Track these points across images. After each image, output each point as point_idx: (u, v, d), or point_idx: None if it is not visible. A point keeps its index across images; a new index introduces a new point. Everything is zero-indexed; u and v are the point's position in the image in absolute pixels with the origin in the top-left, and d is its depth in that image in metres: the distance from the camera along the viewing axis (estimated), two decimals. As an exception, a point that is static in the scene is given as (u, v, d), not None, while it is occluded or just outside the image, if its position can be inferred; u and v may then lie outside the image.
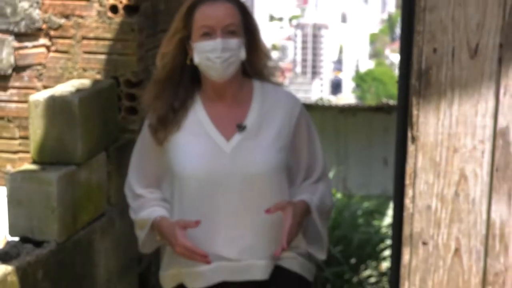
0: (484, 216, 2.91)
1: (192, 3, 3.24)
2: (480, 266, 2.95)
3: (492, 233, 2.92)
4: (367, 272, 6.09)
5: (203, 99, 3.36)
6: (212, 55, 3.14)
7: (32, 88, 4.38)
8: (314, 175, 3.51)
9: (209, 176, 3.25)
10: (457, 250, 2.94)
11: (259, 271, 3.33)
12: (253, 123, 3.30)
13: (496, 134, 2.87)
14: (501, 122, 2.85)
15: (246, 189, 3.27)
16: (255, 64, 3.39)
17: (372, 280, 5.80)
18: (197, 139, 3.30)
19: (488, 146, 2.87)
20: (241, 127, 3.28)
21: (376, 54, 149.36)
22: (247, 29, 3.30)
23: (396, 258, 2.97)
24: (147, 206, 3.37)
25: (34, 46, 4.44)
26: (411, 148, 2.90)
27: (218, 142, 3.27)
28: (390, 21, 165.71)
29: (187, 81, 3.35)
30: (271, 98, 3.38)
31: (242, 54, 3.23)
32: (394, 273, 3.09)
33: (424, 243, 2.96)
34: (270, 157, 3.29)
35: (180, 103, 3.29)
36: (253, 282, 3.35)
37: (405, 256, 2.97)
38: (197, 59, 3.22)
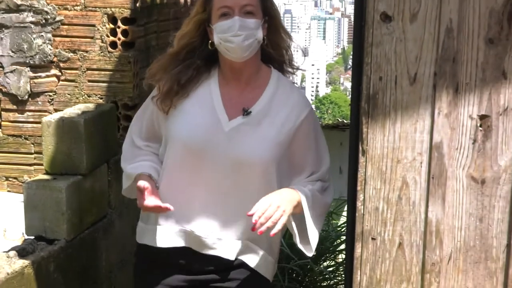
0: (423, 215, 2.91)
1: None
2: (419, 257, 2.95)
3: (429, 230, 2.92)
4: (327, 263, 6.07)
5: (219, 77, 2.93)
6: (230, 33, 2.73)
7: (45, 111, 4.36)
8: (313, 178, 3.06)
9: (201, 147, 2.83)
10: (400, 244, 2.95)
11: (226, 249, 2.92)
12: (259, 111, 2.87)
13: (432, 147, 2.88)
14: (436, 138, 2.86)
15: (233, 171, 2.83)
16: (277, 46, 2.95)
17: (331, 269, 5.80)
18: (201, 110, 2.88)
19: (425, 158, 2.88)
20: (246, 112, 2.84)
21: (332, 82, 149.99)
22: (267, 12, 2.87)
23: (350, 251, 2.97)
24: (137, 160, 3.02)
25: (47, 76, 4.42)
26: (361, 159, 2.90)
27: (220, 118, 2.85)
28: (343, 54, 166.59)
29: (201, 63, 2.93)
30: (284, 93, 2.94)
31: (260, 35, 2.79)
32: (349, 264, 3.09)
33: (373, 239, 2.96)
34: (264, 148, 2.84)
35: (188, 79, 2.89)
36: (217, 259, 2.94)
37: (357, 250, 2.96)
38: (216, 39, 2.80)
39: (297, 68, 3.13)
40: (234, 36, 2.71)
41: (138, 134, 3.08)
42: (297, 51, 3.23)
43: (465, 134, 2.84)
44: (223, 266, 2.96)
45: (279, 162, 2.90)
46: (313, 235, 2.99)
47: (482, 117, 2.82)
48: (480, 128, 2.83)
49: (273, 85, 2.91)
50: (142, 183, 2.82)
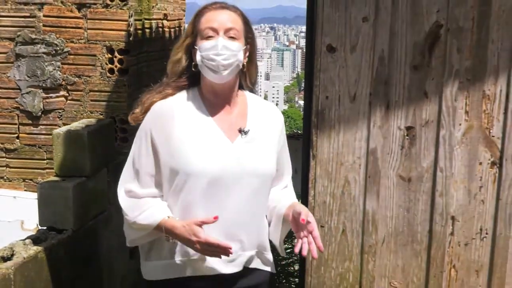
0: (361, 207, 2.92)
1: (198, 10, 2.41)
2: (359, 241, 2.95)
3: (367, 219, 2.93)
4: (285, 246, 6.06)
5: (205, 102, 2.38)
6: (213, 51, 2.26)
7: (55, 125, 4.32)
8: (285, 180, 2.57)
9: (219, 176, 2.28)
10: (343, 231, 2.95)
11: (242, 263, 2.39)
12: (252, 128, 2.38)
13: (368, 153, 2.89)
14: (372, 145, 2.88)
15: (247, 188, 2.32)
16: (251, 75, 2.48)
17: (288, 251, 5.79)
18: (204, 140, 2.31)
19: (363, 161, 2.89)
20: (244, 132, 2.35)
21: (289, 100, 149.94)
22: (248, 41, 2.41)
23: (303, 236, 2.96)
24: (146, 207, 2.34)
25: (57, 96, 4.38)
26: (312, 162, 2.90)
27: (224, 144, 2.32)
28: (298, 78, 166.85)
29: (191, 85, 2.41)
30: (263, 109, 2.48)
31: (241, 58, 2.32)
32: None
33: (322, 226, 2.96)
34: (269, 159, 2.40)
35: (182, 105, 2.36)
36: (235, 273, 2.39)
37: (309, 235, 2.96)
38: (199, 59, 2.30)
39: (254, 89, 2.58)
40: (216, 55, 2.26)
41: (136, 184, 2.39)
42: (260, 75, 2.97)
43: (395, 142, 2.86)
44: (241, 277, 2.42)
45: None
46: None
47: (408, 128, 2.84)
48: (407, 137, 2.85)
49: (252, 103, 2.47)
50: (200, 218, 2.24)
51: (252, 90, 2.53)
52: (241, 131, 2.36)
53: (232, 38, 2.31)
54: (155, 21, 4.70)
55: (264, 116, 2.46)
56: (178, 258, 2.34)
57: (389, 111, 2.84)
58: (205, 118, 2.35)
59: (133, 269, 3.90)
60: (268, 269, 2.49)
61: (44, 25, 4.32)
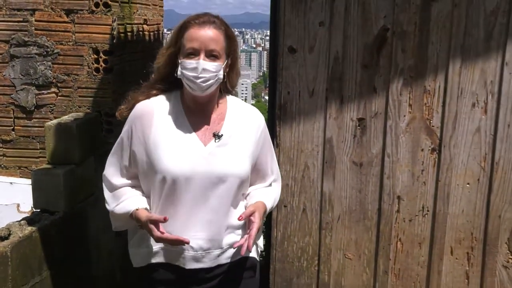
0: (319, 189, 2.93)
1: (183, 23, 2.23)
2: (317, 218, 2.96)
3: (324, 199, 2.94)
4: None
5: (185, 107, 2.25)
6: (193, 73, 2.13)
7: (47, 118, 4.26)
8: (268, 180, 2.39)
9: (188, 176, 2.15)
10: (304, 210, 2.95)
11: (213, 260, 2.23)
12: (227, 132, 2.24)
13: (325, 141, 2.89)
14: (328, 134, 2.88)
15: (217, 190, 2.18)
16: (232, 82, 2.32)
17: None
18: (177, 142, 2.19)
19: (320, 148, 2.89)
20: (217, 136, 2.22)
21: (256, 96, 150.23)
22: (230, 54, 2.24)
23: (269, 215, 2.96)
24: (123, 198, 2.28)
25: (48, 93, 4.31)
26: (276, 150, 2.90)
27: (197, 147, 2.19)
28: (264, 76, 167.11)
29: (175, 87, 2.28)
30: (242, 111, 2.32)
31: (221, 76, 2.18)
32: (268, 223, 3.09)
33: (285, 206, 2.96)
34: (240, 162, 2.23)
35: (163, 107, 2.25)
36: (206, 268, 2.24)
37: (274, 214, 2.96)
38: (179, 73, 2.17)
39: (234, 91, 2.41)
40: (196, 78, 2.13)
41: (114, 174, 2.33)
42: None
43: (348, 131, 2.86)
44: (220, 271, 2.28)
45: (250, 171, 2.30)
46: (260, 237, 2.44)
47: (360, 120, 2.85)
48: (358, 127, 2.86)
49: (232, 107, 2.32)
50: (153, 216, 2.13)
51: (231, 92, 2.38)
52: (215, 135, 2.23)
53: (213, 57, 2.15)
54: (136, 25, 4.64)
55: (242, 120, 2.30)
56: (155, 246, 2.24)
57: (343, 104, 2.84)
58: (182, 121, 2.23)
59: (119, 244, 3.87)
60: (246, 254, 2.26)
61: (36, 29, 4.25)
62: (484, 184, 2.82)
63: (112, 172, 2.33)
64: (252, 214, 2.16)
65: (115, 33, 4.23)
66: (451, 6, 2.70)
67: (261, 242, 2.42)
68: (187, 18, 2.24)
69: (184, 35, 2.18)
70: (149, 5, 4.99)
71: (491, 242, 2.86)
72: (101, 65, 4.25)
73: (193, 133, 2.22)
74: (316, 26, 2.78)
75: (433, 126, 2.80)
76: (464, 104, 2.77)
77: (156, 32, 5.17)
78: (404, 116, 2.81)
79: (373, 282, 2.97)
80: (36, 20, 4.23)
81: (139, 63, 4.63)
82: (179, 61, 2.17)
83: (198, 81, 2.14)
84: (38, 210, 3.23)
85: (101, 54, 4.23)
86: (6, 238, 2.80)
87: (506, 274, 2.88)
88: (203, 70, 2.13)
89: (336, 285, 2.99)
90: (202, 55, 2.14)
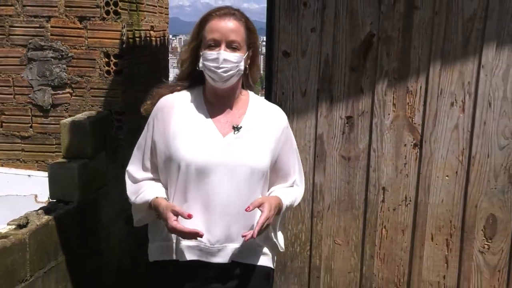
0: (311, 181, 2.92)
1: (204, 16, 2.07)
2: (310, 207, 2.96)
3: (316, 190, 2.93)
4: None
5: (206, 101, 2.10)
6: (214, 64, 1.99)
7: (62, 116, 4.24)
8: (290, 180, 2.19)
9: (205, 165, 1.97)
10: (297, 200, 2.95)
11: (228, 255, 2.04)
12: (247, 126, 2.06)
13: (316, 137, 2.89)
14: (319, 131, 2.87)
15: (234, 181, 1.99)
16: (253, 76, 2.18)
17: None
18: (197, 132, 2.03)
19: (312, 144, 2.89)
20: (236, 128, 2.04)
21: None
22: (251, 46, 2.09)
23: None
24: (143, 189, 2.10)
25: (63, 93, 4.29)
26: (272, 145, 2.89)
27: (215, 137, 2.02)
28: (260, 78, 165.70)
29: (198, 83, 2.13)
30: (264, 107, 2.16)
31: (242, 67, 2.03)
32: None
33: (280, 196, 2.95)
34: (261, 154, 2.04)
35: (184, 100, 2.11)
36: (221, 263, 2.04)
37: (270, 204, 2.96)
38: (201, 64, 2.02)
39: (254, 87, 2.27)
40: (217, 68, 1.99)
41: (136, 170, 2.16)
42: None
43: (337, 128, 2.86)
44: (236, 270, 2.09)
45: (268, 168, 2.10)
46: (280, 236, 2.20)
47: (348, 118, 2.84)
48: (347, 125, 2.85)
49: (254, 103, 2.15)
50: (177, 207, 1.96)
51: (253, 88, 2.22)
52: (234, 127, 2.06)
53: (233, 49, 2.01)
54: (143, 31, 4.63)
55: (263, 116, 2.12)
56: (172, 241, 2.06)
57: (332, 104, 2.84)
58: (202, 114, 2.08)
59: (128, 232, 3.86)
60: (261, 263, 2.12)
61: (51, 34, 4.23)
62: (462, 176, 2.82)
63: (134, 167, 2.17)
64: (261, 204, 1.96)
65: (124, 38, 4.22)
66: (432, 13, 2.70)
67: (281, 241, 2.19)
68: (207, 11, 2.10)
69: (205, 28, 2.04)
70: (155, 13, 4.98)
71: (468, 229, 2.86)
72: (111, 68, 4.24)
73: (213, 125, 2.06)
74: (308, 32, 2.77)
75: (415, 123, 2.80)
76: (444, 103, 2.76)
77: (162, 38, 5.16)
78: (389, 114, 2.81)
79: (360, 266, 2.97)
80: (51, 26, 4.21)
81: (147, 66, 4.63)
82: (201, 53, 2.04)
83: (219, 71, 1.99)
84: (54, 200, 3.22)
85: (112, 58, 4.22)
86: (24, 226, 2.79)
87: (482, 259, 2.88)
88: (224, 61, 1.99)
89: (327, 268, 2.99)
90: (223, 46, 2.00)
